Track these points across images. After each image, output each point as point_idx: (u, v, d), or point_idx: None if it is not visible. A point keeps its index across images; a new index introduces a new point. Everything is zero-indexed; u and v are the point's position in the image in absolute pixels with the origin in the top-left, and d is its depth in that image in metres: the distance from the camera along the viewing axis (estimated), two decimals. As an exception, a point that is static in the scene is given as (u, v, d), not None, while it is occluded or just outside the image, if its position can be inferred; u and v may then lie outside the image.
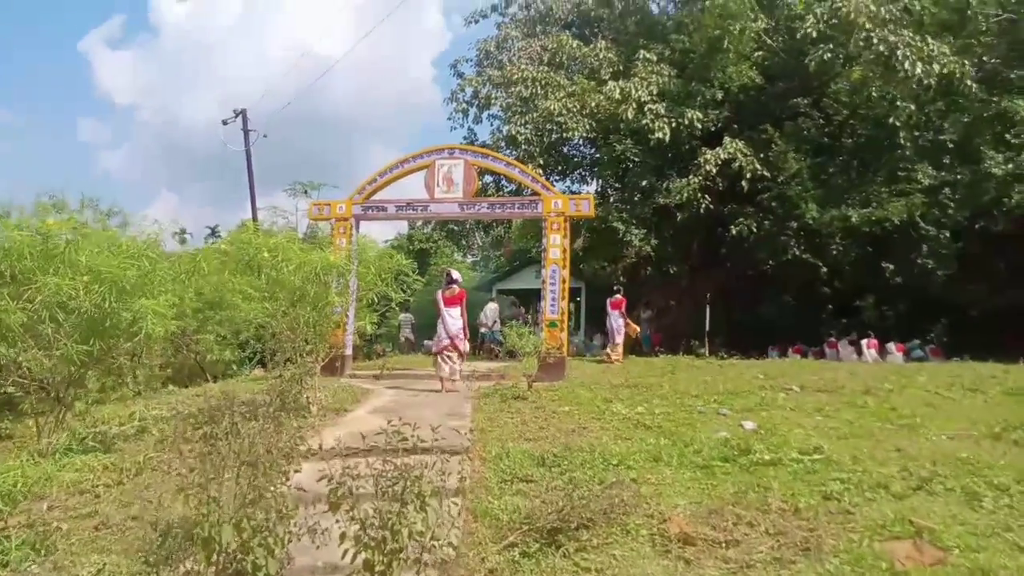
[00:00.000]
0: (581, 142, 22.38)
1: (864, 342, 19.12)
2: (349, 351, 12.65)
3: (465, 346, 10.21)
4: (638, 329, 16.78)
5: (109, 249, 5.99)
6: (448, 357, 10.03)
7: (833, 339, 20.52)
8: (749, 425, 6.35)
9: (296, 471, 3.68)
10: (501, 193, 20.51)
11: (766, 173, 16.56)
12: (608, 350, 15.18)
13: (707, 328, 22.33)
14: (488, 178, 21.36)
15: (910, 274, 19.92)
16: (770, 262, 19.97)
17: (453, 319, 10.01)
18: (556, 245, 11.86)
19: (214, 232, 34.58)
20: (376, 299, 7.51)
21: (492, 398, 8.89)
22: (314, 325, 7.32)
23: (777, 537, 3.72)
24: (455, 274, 10.46)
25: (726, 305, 26.48)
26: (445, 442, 6.23)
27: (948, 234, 18.25)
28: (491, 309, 21.27)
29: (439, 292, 10.15)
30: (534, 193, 12.27)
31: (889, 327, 25.54)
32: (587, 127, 17.31)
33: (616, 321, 15.35)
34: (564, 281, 11.82)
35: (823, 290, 25.18)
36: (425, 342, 23.36)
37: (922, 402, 7.99)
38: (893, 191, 17.40)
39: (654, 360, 15.87)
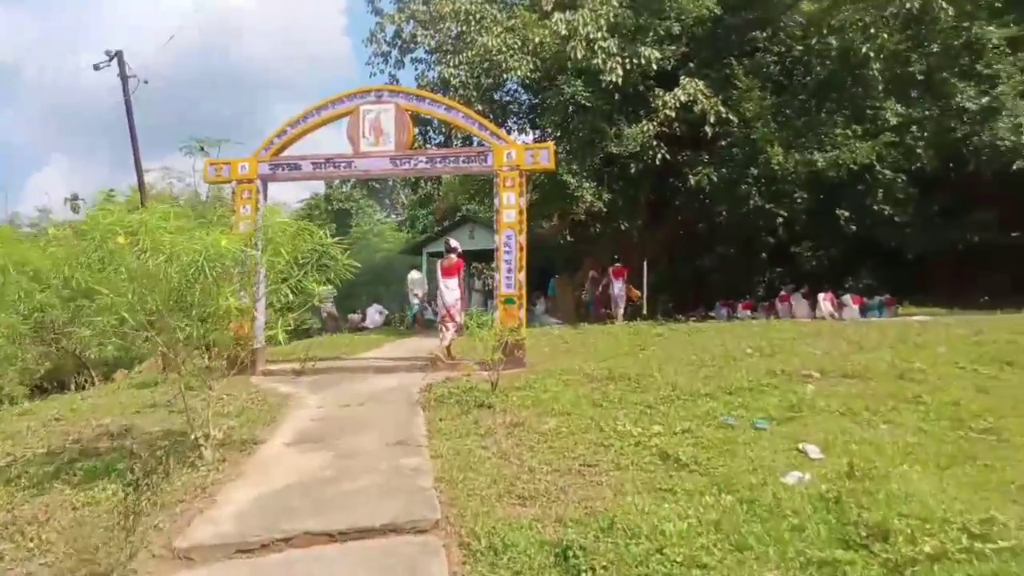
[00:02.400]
0: (517, 88, 20.25)
1: (820, 296, 18.28)
2: (261, 342, 10.40)
3: (460, 317, 10.14)
4: (639, 294, 18.00)
5: None
6: (444, 327, 10.19)
7: (784, 292, 19.68)
8: (813, 452, 4.72)
9: None
10: (428, 147, 18.24)
11: (731, 116, 14.95)
12: (612, 314, 16.98)
13: (646, 284, 21.27)
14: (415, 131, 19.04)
15: (864, 221, 19.15)
16: (723, 214, 18.69)
17: (450, 290, 10.27)
18: (511, 205, 9.90)
19: (109, 197, 30.35)
20: (292, 294, 5.35)
21: (449, 405, 7.01)
22: (204, 336, 5.15)
23: None
24: (453, 242, 10.56)
25: (670, 259, 25.42)
26: (402, 509, 4.32)
27: (904, 177, 17.40)
28: (415, 278, 19.17)
29: (439, 262, 10.45)
30: (482, 143, 10.20)
31: (822, 273, 25.23)
32: (530, 66, 15.17)
33: (619, 289, 17.05)
34: (521, 248, 9.92)
35: (768, 240, 24.46)
36: (350, 316, 21.06)
37: (973, 387, 6.63)
38: (855, 132, 16.21)
39: (612, 328, 14.37)
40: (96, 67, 17.51)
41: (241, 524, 4.07)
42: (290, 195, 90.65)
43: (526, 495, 4.28)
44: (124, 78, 17.59)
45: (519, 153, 9.93)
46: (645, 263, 20.71)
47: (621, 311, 16.90)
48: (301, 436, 6.25)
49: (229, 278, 4.84)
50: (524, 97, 20.54)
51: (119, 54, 17.60)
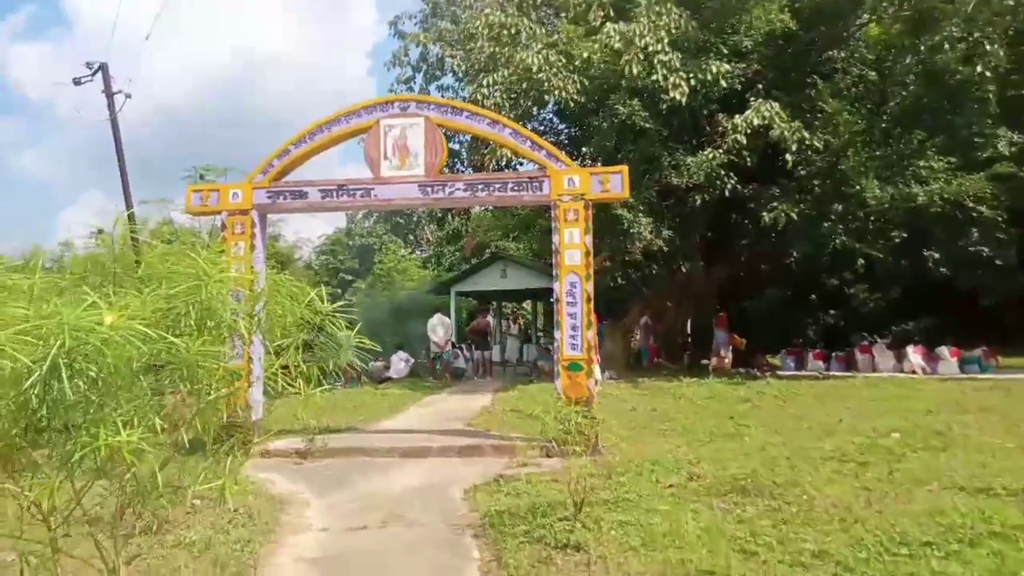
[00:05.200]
0: (553, 118, 18.32)
1: (909, 348, 15.92)
2: (258, 414, 8.14)
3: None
4: (743, 342, 16.97)
5: None
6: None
7: (866, 343, 17.21)
8: None
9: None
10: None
11: (816, 142, 12.72)
12: (715, 362, 16.12)
13: (688, 332, 19.26)
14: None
15: (956, 264, 16.83)
16: (794, 254, 16.38)
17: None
18: (574, 245, 7.70)
19: (101, 232, 28.82)
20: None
21: (513, 538, 4.70)
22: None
23: None
24: None
25: (719, 302, 23.11)
26: None
27: (1005, 215, 15.03)
28: (440, 323, 16.98)
29: None
30: (536, 167, 8.08)
31: (878, 317, 22.74)
32: (578, 86, 13.14)
33: (723, 338, 16.21)
34: (589, 299, 7.67)
35: (831, 281, 22.24)
36: (372, 364, 18.77)
37: None
38: (951, 163, 13.91)
39: (690, 391, 12.11)
40: (76, 81, 15.60)
41: None
42: (312, 228, 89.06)
43: None
44: (109, 94, 15.61)
45: (584, 179, 7.79)
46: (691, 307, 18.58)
47: (727, 361, 15.90)
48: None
49: (121, 383, 2.57)
50: (562, 126, 18.61)
51: (103, 67, 15.68)
